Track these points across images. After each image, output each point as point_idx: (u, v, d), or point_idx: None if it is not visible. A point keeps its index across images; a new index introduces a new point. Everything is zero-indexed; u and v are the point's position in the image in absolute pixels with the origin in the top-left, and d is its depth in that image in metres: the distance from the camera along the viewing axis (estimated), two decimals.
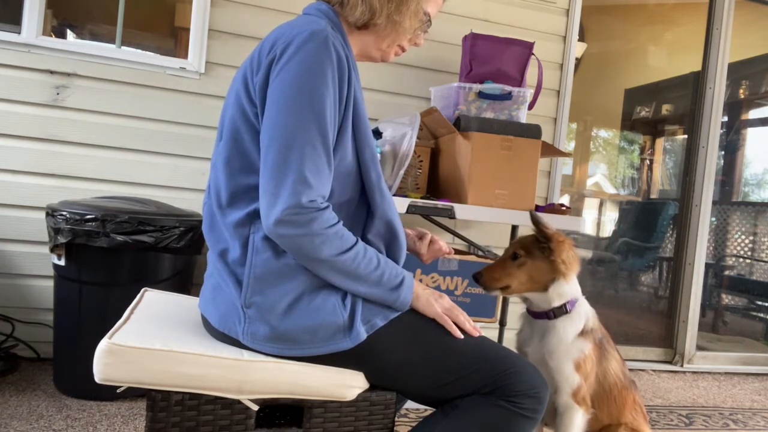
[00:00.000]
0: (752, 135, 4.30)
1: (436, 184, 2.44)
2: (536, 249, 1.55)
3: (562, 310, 1.56)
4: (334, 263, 1.09)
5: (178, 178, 2.54)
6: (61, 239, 1.97)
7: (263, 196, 1.06)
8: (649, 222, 3.98)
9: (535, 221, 1.55)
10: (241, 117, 1.14)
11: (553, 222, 2.25)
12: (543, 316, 1.58)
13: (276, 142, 1.06)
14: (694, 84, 3.59)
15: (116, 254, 2.01)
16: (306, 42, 1.07)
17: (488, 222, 2.75)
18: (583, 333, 1.55)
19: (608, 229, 4.36)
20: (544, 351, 1.55)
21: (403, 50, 1.32)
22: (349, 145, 1.15)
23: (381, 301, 1.15)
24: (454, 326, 1.18)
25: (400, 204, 2.07)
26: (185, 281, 2.24)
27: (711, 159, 3.45)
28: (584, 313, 1.57)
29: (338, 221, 1.10)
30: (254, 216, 1.13)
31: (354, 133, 1.16)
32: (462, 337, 1.17)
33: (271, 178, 1.05)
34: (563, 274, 1.53)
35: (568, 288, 1.55)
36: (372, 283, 1.13)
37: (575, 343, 1.54)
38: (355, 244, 1.12)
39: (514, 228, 2.70)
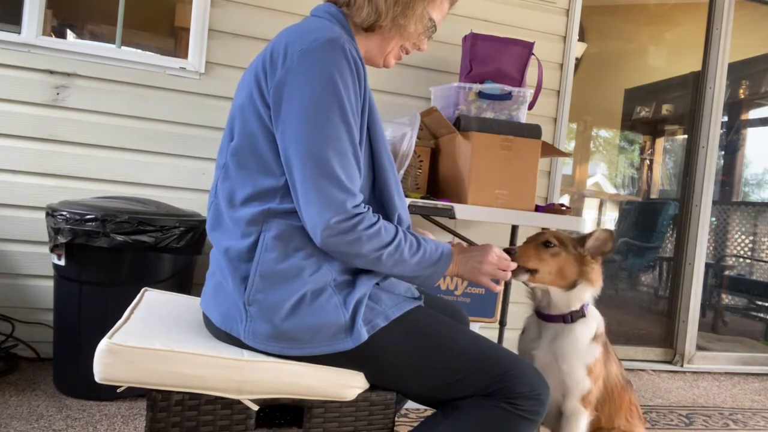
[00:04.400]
0: (752, 135, 4.30)
1: (436, 184, 2.44)
2: (571, 245, 1.55)
3: (579, 314, 1.54)
4: (380, 255, 1.13)
5: (178, 178, 2.54)
6: (61, 239, 1.97)
7: (307, 209, 1.08)
8: (649, 222, 3.98)
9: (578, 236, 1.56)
10: (256, 119, 1.14)
11: (553, 222, 2.26)
12: (558, 319, 1.55)
13: (311, 156, 1.07)
14: (694, 84, 3.59)
15: (116, 254, 2.01)
16: (324, 51, 1.08)
17: (488, 222, 2.75)
18: (595, 337, 1.54)
19: None
20: (557, 354, 1.53)
21: (407, 53, 1.33)
22: (366, 149, 1.17)
23: (426, 276, 1.21)
24: (504, 275, 1.30)
25: None
26: (185, 281, 2.24)
27: (711, 159, 3.45)
28: (596, 317, 1.57)
29: (379, 217, 1.14)
30: (267, 215, 1.13)
31: (370, 136, 1.19)
32: (500, 290, 1.30)
33: (312, 191, 1.07)
34: (592, 283, 1.54)
35: (591, 293, 1.55)
36: (416, 264, 1.18)
37: (589, 348, 1.52)
38: (396, 233, 1.16)
39: (514, 228, 2.70)
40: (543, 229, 1.69)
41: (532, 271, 1.52)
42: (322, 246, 1.10)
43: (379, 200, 1.21)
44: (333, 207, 1.07)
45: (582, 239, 1.55)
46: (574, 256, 1.53)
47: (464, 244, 1.49)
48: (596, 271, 1.54)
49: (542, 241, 1.55)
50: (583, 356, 1.52)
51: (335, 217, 1.06)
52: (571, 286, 1.53)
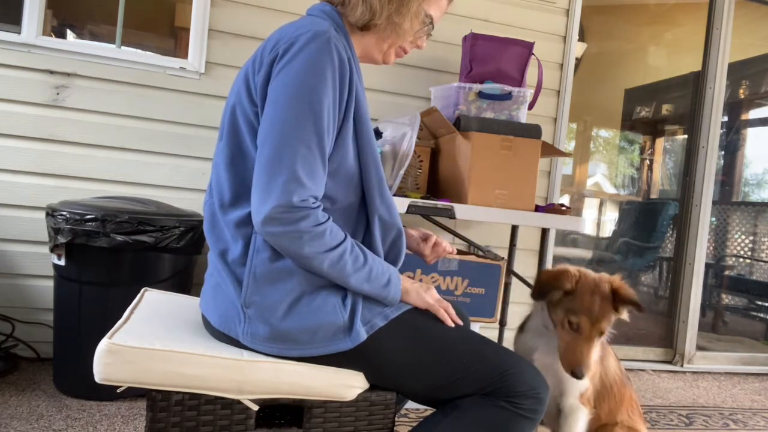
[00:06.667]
0: (752, 135, 4.29)
1: (436, 184, 2.44)
2: (612, 313, 1.43)
3: None
4: (321, 260, 1.08)
5: (178, 178, 2.54)
6: (61, 239, 1.97)
7: (255, 191, 1.07)
8: (649, 222, 3.98)
9: (637, 305, 1.43)
10: (242, 117, 1.14)
11: (553, 222, 2.26)
12: None
13: (271, 139, 1.06)
14: (694, 84, 3.59)
15: (116, 254, 2.01)
16: (308, 42, 1.07)
17: (488, 222, 2.75)
18: None
19: (608, 229, 4.36)
20: (557, 356, 1.53)
21: (405, 52, 1.32)
22: (350, 148, 1.15)
23: (377, 297, 1.16)
24: (446, 315, 1.20)
25: (400, 204, 2.07)
26: (185, 281, 2.24)
27: (711, 159, 3.45)
28: None
29: (327, 219, 1.10)
30: None
31: (356, 136, 1.16)
32: (453, 325, 1.19)
33: (264, 174, 1.05)
34: None
35: None
36: (360, 281, 1.13)
37: None
38: (342, 242, 1.11)
39: (514, 228, 2.70)
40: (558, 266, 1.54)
41: None
42: (261, 235, 1.08)
43: (362, 199, 1.20)
44: (277, 195, 1.03)
45: (640, 308, 1.43)
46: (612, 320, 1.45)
47: (451, 248, 1.49)
48: None
49: (599, 334, 1.43)
50: None
51: (277, 205, 1.03)
52: None
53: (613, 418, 1.62)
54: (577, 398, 1.53)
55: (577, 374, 1.40)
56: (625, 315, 1.47)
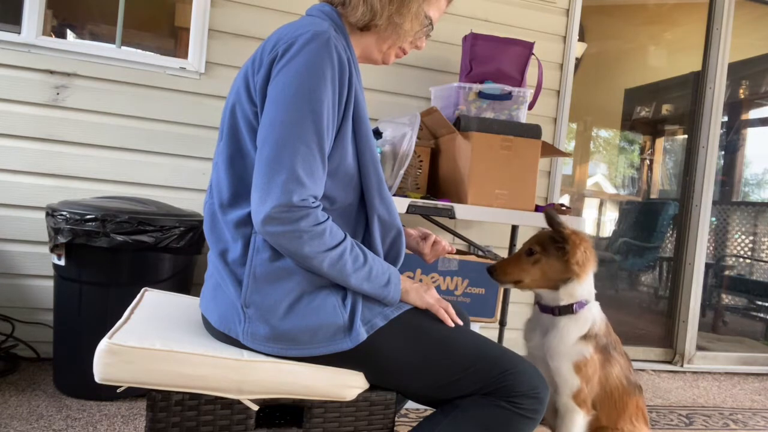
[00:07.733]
0: (752, 135, 4.29)
1: (436, 184, 2.44)
2: (552, 247, 1.53)
3: (567, 310, 1.55)
4: (321, 260, 1.08)
5: (178, 178, 2.54)
6: (61, 239, 1.97)
7: (255, 191, 1.07)
8: (649, 222, 3.98)
9: (551, 221, 1.53)
10: (242, 117, 1.14)
11: None
12: (548, 310, 1.58)
13: (271, 139, 1.06)
14: (694, 84, 3.59)
15: (116, 254, 2.01)
16: (308, 42, 1.07)
17: (488, 222, 2.75)
18: (586, 337, 1.53)
19: (608, 229, 4.36)
20: (545, 348, 1.55)
21: (405, 53, 1.32)
22: (349, 148, 1.15)
23: (376, 297, 1.16)
24: (446, 315, 1.20)
25: (400, 204, 2.07)
26: (185, 281, 2.24)
27: (711, 159, 3.45)
28: (591, 318, 1.56)
29: (327, 218, 1.10)
30: None
31: (355, 136, 1.16)
32: (453, 325, 1.19)
33: (264, 174, 1.05)
34: (577, 275, 1.52)
35: (580, 289, 1.54)
36: (360, 280, 1.13)
37: (576, 346, 1.53)
38: (342, 241, 1.11)
39: (514, 228, 2.70)
40: (542, 228, 1.67)
41: (517, 281, 1.56)
42: (261, 234, 1.08)
43: (361, 199, 1.20)
44: (277, 195, 1.03)
45: (563, 236, 1.51)
46: (557, 258, 1.52)
47: (450, 247, 1.49)
48: (582, 266, 1.52)
49: (525, 250, 1.57)
50: (569, 353, 1.52)
51: (277, 205, 1.03)
52: (562, 283, 1.54)
53: (614, 424, 1.61)
54: (570, 398, 1.53)
55: (489, 268, 1.60)
56: (577, 257, 1.51)
